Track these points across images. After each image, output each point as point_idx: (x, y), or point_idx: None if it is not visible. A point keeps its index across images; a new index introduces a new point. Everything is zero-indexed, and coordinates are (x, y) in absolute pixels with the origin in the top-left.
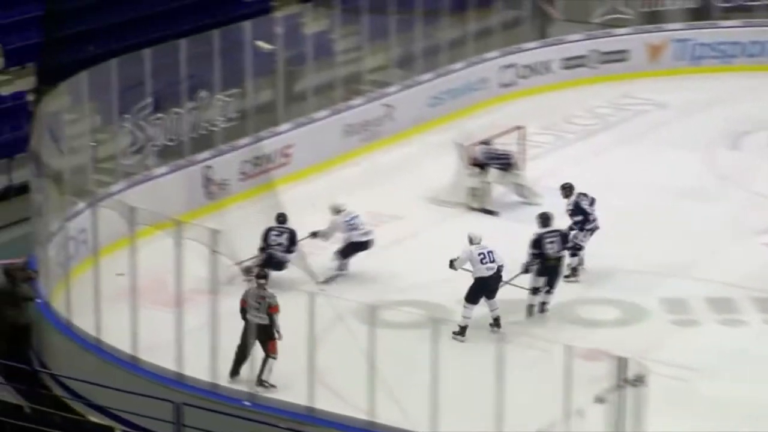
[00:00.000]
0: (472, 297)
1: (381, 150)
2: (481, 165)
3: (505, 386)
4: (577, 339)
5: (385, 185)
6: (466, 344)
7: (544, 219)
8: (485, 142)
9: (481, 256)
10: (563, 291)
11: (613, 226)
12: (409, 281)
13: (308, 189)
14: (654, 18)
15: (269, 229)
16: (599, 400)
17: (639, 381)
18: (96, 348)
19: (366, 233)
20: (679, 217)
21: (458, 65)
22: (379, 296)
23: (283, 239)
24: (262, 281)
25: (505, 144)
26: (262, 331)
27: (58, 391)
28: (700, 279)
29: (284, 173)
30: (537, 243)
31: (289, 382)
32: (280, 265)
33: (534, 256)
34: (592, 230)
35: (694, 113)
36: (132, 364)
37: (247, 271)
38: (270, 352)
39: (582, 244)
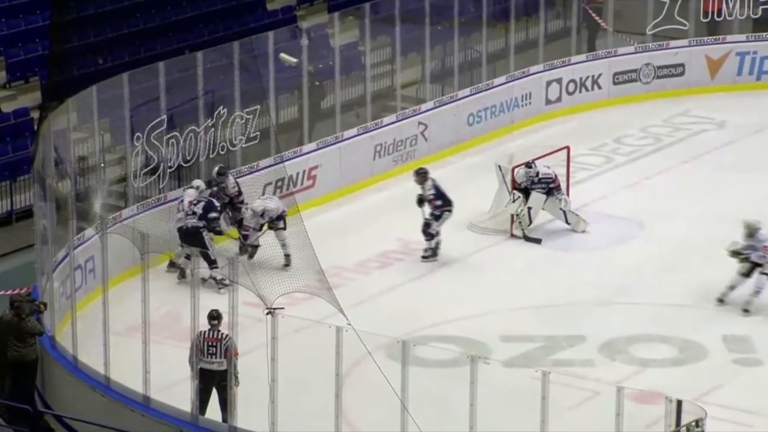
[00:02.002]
0: None
1: None
2: (523, 189)
3: (550, 430)
4: (630, 379)
5: (419, 211)
6: (508, 383)
7: (424, 171)
8: (528, 164)
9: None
10: (613, 327)
11: (669, 257)
12: (444, 315)
13: (335, 214)
14: (714, 29)
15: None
16: None
17: (697, 426)
18: (105, 387)
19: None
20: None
21: (499, 80)
22: (412, 331)
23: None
24: (215, 322)
25: (549, 166)
26: (221, 378)
27: None
28: (764, 315)
29: (309, 197)
30: (441, 192)
31: (314, 423)
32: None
33: (440, 207)
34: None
35: (758, 133)
36: (144, 405)
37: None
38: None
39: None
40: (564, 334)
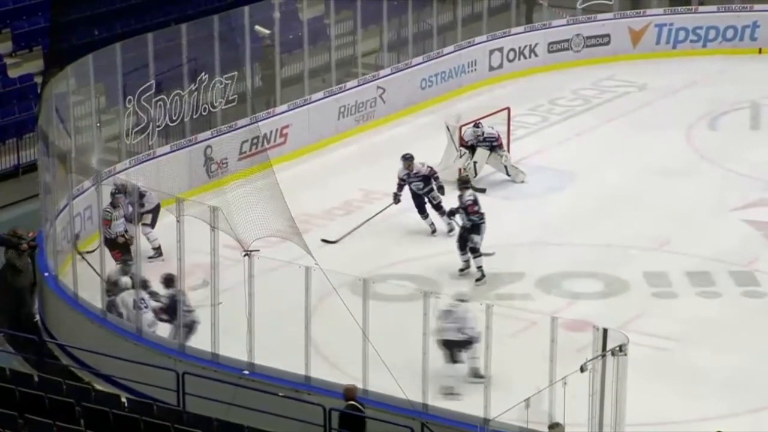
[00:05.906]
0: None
1: (373, 130)
2: (470, 146)
3: (493, 355)
4: (563, 310)
5: (378, 164)
6: None
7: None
8: (476, 124)
9: None
10: (548, 265)
11: (596, 203)
12: (401, 256)
13: (304, 168)
14: (636, 3)
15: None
16: (582, 368)
17: (620, 350)
18: (102, 320)
19: None
20: (660, 195)
21: (448, 49)
22: (373, 270)
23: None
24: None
25: (493, 126)
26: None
27: (66, 361)
28: (679, 253)
29: (281, 153)
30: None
31: (287, 351)
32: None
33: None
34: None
35: (674, 94)
36: (136, 335)
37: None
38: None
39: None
40: (505, 271)
